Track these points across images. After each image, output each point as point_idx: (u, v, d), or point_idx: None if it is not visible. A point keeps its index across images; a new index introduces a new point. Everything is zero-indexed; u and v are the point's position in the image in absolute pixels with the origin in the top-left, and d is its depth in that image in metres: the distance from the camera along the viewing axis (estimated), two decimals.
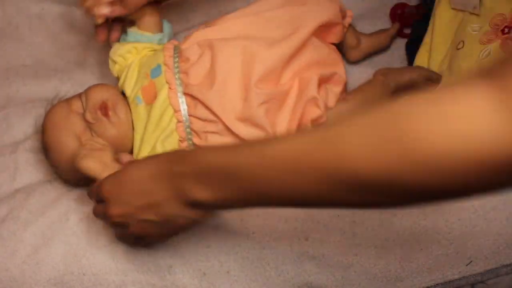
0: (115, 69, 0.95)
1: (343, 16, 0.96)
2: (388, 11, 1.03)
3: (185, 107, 0.87)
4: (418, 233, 0.79)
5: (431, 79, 0.91)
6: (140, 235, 0.73)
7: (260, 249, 0.80)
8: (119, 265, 0.81)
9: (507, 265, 0.81)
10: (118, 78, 0.95)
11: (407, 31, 1.02)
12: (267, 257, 0.80)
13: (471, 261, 0.80)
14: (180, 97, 0.88)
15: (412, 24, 1.01)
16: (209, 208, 0.65)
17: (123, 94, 0.93)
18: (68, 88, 1.01)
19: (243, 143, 0.63)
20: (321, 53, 0.92)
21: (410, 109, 0.47)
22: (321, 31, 0.92)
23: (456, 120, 0.44)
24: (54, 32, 1.04)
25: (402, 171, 0.47)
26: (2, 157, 0.92)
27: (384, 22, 1.03)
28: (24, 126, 0.96)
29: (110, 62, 0.95)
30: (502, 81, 0.42)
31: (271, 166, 0.56)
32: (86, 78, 1.02)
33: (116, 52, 0.94)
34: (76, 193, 0.86)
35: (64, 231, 0.83)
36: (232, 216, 0.82)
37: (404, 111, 0.47)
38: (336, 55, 0.95)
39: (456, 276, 0.81)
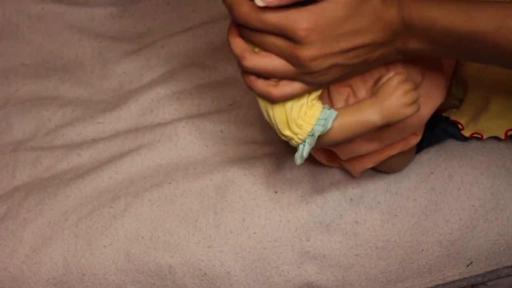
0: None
1: None
2: None
3: None
4: (419, 234, 0.79)
5: (454, 106, 0.85)
6: (321, 82, 0.63)
7: (261, 249, 0.80)
8: (119, 265, 0.81)
9: (508, 267, 0.81)
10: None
11: None
12: (267, 257, 0.80)
13: (471, 262, 0.80)
14: None
15: None
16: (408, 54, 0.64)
17: None
18: (68, 88, 1.00)
19: (471, 5, 0.57)
20: None
21: None
22: None
23: None
24: (54, 32, 1.04)
25: None
26: (2, 156, 0.92)
27: None
28: (23, 125, 0.96)
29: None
30: None
31: None
32: (86, 78, 1.02)
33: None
34: (75, 191, 0.86)
35: (63, 231, 0.83)
36: (233, 216, 0.82)
37: None
38: None
39: (457, 277, 0.81)
